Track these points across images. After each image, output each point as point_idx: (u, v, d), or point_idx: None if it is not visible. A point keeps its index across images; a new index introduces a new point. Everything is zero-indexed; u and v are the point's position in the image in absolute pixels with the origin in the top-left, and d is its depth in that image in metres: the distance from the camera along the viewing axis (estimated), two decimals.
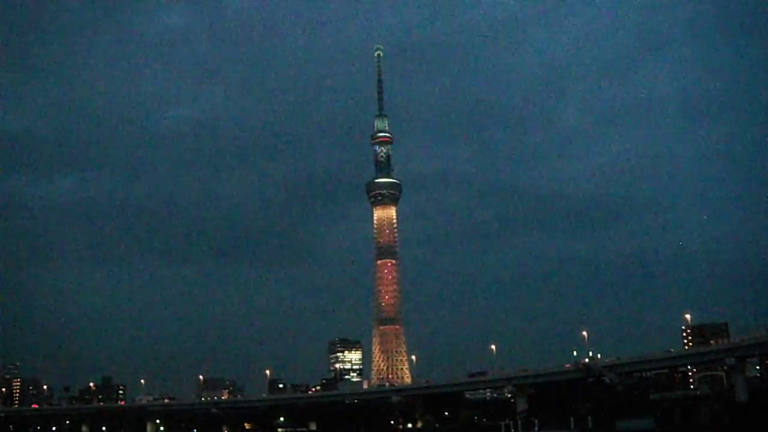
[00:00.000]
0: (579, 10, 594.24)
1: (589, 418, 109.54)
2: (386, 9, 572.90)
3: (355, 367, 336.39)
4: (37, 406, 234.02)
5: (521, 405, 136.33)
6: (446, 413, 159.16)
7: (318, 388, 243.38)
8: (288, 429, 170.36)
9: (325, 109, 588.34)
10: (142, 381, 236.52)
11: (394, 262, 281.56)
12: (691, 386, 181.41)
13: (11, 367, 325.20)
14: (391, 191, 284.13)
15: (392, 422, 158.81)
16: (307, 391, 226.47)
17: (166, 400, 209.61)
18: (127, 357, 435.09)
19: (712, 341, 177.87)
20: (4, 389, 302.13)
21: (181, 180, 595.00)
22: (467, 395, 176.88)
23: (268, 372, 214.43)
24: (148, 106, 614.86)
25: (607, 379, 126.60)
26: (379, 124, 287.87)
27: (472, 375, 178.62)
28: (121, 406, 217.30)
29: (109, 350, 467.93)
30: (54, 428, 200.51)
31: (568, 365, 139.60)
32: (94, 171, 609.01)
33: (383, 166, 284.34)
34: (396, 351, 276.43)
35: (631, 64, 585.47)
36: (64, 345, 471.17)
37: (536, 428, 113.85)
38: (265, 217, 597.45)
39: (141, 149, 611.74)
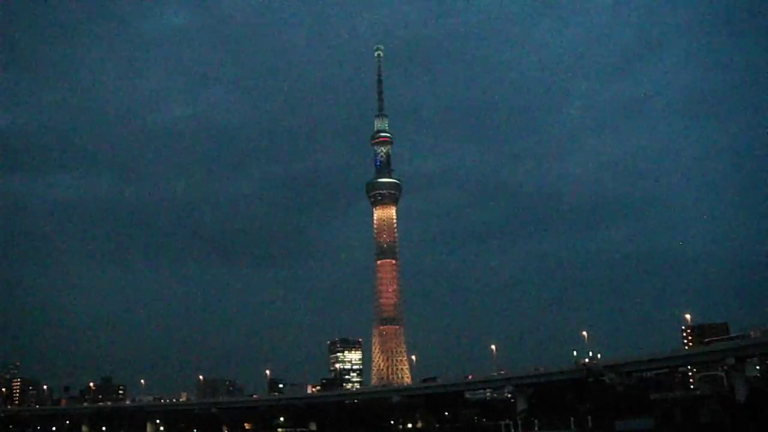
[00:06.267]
0: (580, 9, 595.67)
1: (589, 418, 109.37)
2: (386, 8, 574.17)
3: (355, 367, 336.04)
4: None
5: (521, 405, 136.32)
6: (446, 413, 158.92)
7: (318, 388, 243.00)
8: (288, 429, 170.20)
9: (325, 109, 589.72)
10: (142, 381, 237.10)
11: (394, 262, 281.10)
12: (691, 386, 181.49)
13: (11, 367, 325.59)
14: (391, 191, 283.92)
15: (392, 422, 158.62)
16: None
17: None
18: (127, 357, 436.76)
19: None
20: (4, 389, 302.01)
21: (180, 180, 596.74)
22: (467, 395, 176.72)
23: (268, 372, 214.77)
24: (147, 105, 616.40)
25: (607, 379, 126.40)
26: (379, 124, 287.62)
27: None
28: (121, 406, 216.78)
29: (109, 350, 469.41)
30: (54, 428, 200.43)
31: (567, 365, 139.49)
32: (93, 170, 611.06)
33: (383, 166, 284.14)
34: (396, 351, 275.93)
35: (632, 63, 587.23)
36: (64, 345, 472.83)
37: (536, 428, 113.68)
38: (265, 217, 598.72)
39: (140, 149, 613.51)
